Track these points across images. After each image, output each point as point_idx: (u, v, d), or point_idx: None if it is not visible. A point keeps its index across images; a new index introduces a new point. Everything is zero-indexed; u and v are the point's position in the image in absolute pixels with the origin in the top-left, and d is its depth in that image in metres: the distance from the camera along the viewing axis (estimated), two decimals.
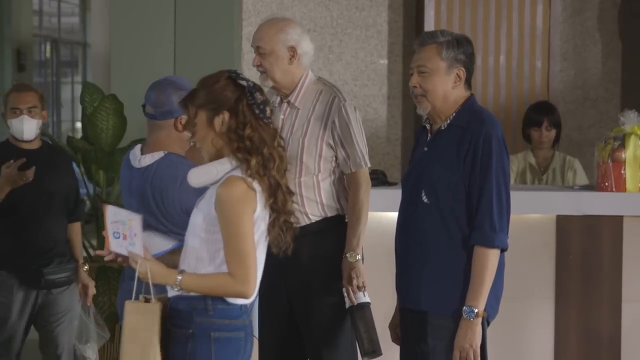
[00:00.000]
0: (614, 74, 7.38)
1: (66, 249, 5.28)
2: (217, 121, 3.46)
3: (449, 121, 3.95)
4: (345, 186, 4.49)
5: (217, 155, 3.49)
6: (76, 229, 5.38)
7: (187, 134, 3.91)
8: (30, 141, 5.20)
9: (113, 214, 3.49)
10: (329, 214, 4.46)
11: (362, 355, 4.35)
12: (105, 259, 3.55)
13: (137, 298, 3.45)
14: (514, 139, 6.75)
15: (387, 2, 7.36)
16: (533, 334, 5.28)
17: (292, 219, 3.56)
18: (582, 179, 6.29)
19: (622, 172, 5.18)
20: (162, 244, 3.50)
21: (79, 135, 9.04)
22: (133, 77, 6.75)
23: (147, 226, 3.62)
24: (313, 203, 4.43)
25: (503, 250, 3.90)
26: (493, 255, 3.85)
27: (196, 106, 3.49)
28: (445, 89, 3.93)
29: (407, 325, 4.02)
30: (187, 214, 3.55)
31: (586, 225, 5.23)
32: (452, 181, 3.88)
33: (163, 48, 7.00)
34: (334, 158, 4.45)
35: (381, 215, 4.97)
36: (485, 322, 3.89)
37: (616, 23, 7.36)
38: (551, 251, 5.25)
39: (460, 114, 3.94)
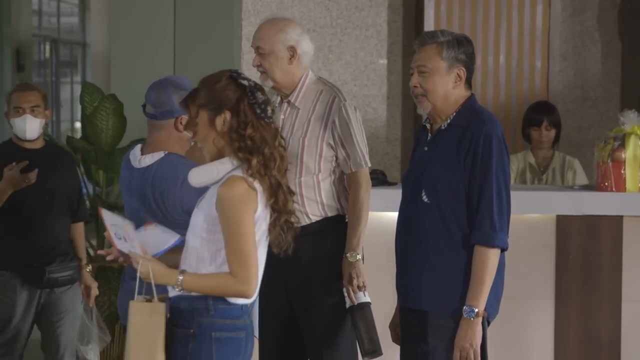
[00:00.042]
0: (613, 74, 7.39)
1: (69, 248, 5.28)
2: (219, 121, 3.46)
3: (449, 121, 3.95)
4: (345, 186, 4.49)
5: (219, 155, 3.49)
6: (79, 229, 5.38)
7: (187, 134, 3.91)
8: (33, 140, 5.20)
9: (109, 218, 3.51)
10: (329, 214, 4.46)
11: (363, 355, 4.34)
12: (108, 258, 3.56)
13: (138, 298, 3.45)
14: (513, 138, 6.75)
15: (386, 2, 7.36)
16: (533, 334, 5.28)
17: (293, 219, 3.57)
18: (581, 179, 6.29)
19: (622, 172, 5.18)
20: (166, 238, 3.49)
21: (78, 135, 9.04)
22: (133, 77, 6.75)
23: (150, 220, 3.63)
24: (313, 203, 4.43)
25: (503, 250, 3.90)
26: (493, 254, 3.85)
27: (197, 106, 3.49)
28: (446, 88, 3.94)
29: (407, 325, 4.03)
30: (188, 214, 3.55)
31: (586, 225, 5.23)
32: (452, 181, 3.88)
33: (163, 48, 7.00)
34: (334, 158, 4.45)
35: (381, 215, 4.97)
36: (486, 322, 3.89)
37: (616, 23, 7.36)
38: (551, 251, 5.25)
39: (460, 114, 3.94)
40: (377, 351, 4.33)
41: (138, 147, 4.23)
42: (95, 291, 5.35)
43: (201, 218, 3.44)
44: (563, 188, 5.71)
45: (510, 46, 7.18)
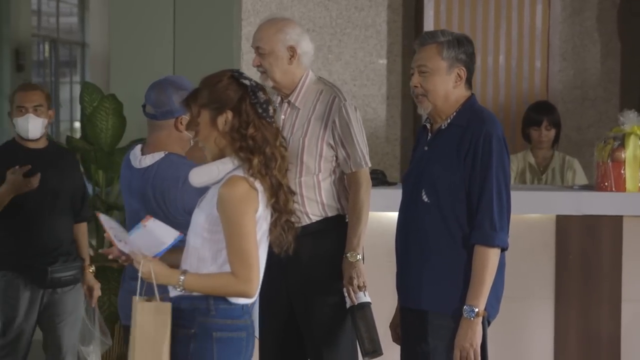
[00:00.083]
0: (613, 74, 7.39)
1: (72, 248, 5.28)
2: (221, 120, 3.46)
3: (449, 120, 3.95)
4: (345, 186, 4.48)
5: (220, 155, 3.49)
6: (83, 229, 5.37)
7: (187, 134, 3.91)
8: (36, 140, 5.19)
9: (107, 222, 3.52)
10: (330, 214, 4.45)
11: (363, 355, 4.34)
12: (110, 257, 3.56)
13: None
14: (513, 138, 6.75)
15: (386, 2, 7.36)
16: (533, 334, 5.28)
17: (294, 219, 3.57)
18: (581, 178, 6.30)
19: (622, 172, 5.18)
20: (165, 235, 3.49)
21: (78, 135, 9.04)
22: (132, 77, 6.74)
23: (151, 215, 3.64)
24: (313, 203, 4.43)
25: (503, 250, 3.90)
26: (493, 254, 3.85)
27: (199, 105, 3.49)
28: (446, 88, 3.94)
29: (407, 325, 4.03)
30: (190, 213, 3.55)
31: (586, 225, 5.23)
32: (452, 180, 3.88)
33: (162, 48, 7.00)
34: (335, 158, 4.45)
35: (381, 215, 4.97)
36: (486, 322, 3.89)
37: (615, 23, 7.36)
38: (551, 251, 5.25)
39: (460, 114, 3.94)
40: (378, 351, 4.33)
41: (138, 147, 4.23)
42: (98, 292, 5.34)
43: (202, 218, 3.44)
44: (563, 188, 5.71)
45: (510, 46, 7.18)
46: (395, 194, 4.22)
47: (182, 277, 3.41)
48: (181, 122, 4.11)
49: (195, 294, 3.43)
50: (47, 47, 13.56)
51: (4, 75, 10.24)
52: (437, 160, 3.93)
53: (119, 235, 3.49)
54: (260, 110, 3.47)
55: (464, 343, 3.84)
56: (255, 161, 3.43)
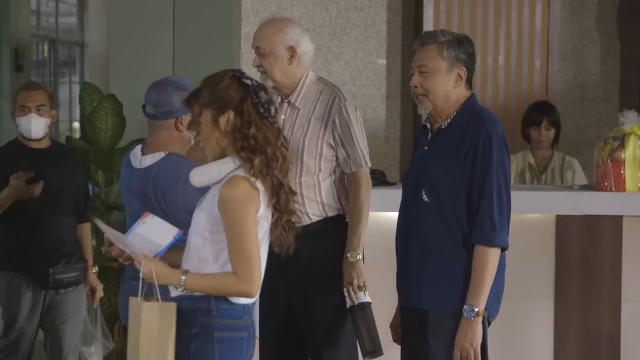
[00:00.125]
0: (612, 74, 7.39)
1: (74, 249, 5.27)
2: (222, 120, 3.46)
3: (449, 120, 3.95)
4: (345, 186, 4.49)
5: (222, 155, 3.49)
6: (86, 229, 5.36)
7: (187, 134, 3.91)
8: (39, 140, 5.19)
9: (105, 228, 3.53)
10: (330, 214, 4.45)
11: (364, 355, 4.34)
12: (112, 254, 3.56)
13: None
14: (513, 138, 6.75)
15: (385, 2, 7.36)
16: (533, 334, 5.28)
17: (295, 219, 3.57)
18: (581, 178, 6.30)
19: (622, 172, 5.18)
20: (165, 232, 3.49)
21: (77, 135, 9.03)
22: (132, 77, 6.74)
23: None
24: (314, 203, 4.43)
25: (503, 249, 3.90)
26: (493, 254, 3.85)
27: (201, 105, 3.49)
28: (447, 88, 3.94)
29: (407, 325, 4.03)
30: (191, 213, 3.54)
31: (585, 225, 5.23)
32: (452, 180, 3.88)
33: (162, 48, 6.99)
34: (335, 158, 4.45)
35: (381, 215, 4.97)
36: (486, 322, 3.89)
37: (615, 23, 7.36)
38: (551, 251, 5.25)
39: (460, 113, 3.95)
40: (378, 351, 4.33)
41: (138, 147, 4.23)
42: (100, 293, 5.34)
43: (203, 218, 3.44)
44: (562, 188, 5.71)
45: (510, 46, 7.18)
46: (395, 194, 4.22)
47: (183, 277, 3.40)
48: (181, 122, 4.11)
49: (196, 294, 3.43)
50: (46, 47, 13.54)
51: (3, 75, 10.23)
52: (437, 160, 3.93)
53: (118, 238, 3.50)
54: (262, 110, 3.47)
55: (464, 343, 3.84)
56: (257, 161, 3.43)
